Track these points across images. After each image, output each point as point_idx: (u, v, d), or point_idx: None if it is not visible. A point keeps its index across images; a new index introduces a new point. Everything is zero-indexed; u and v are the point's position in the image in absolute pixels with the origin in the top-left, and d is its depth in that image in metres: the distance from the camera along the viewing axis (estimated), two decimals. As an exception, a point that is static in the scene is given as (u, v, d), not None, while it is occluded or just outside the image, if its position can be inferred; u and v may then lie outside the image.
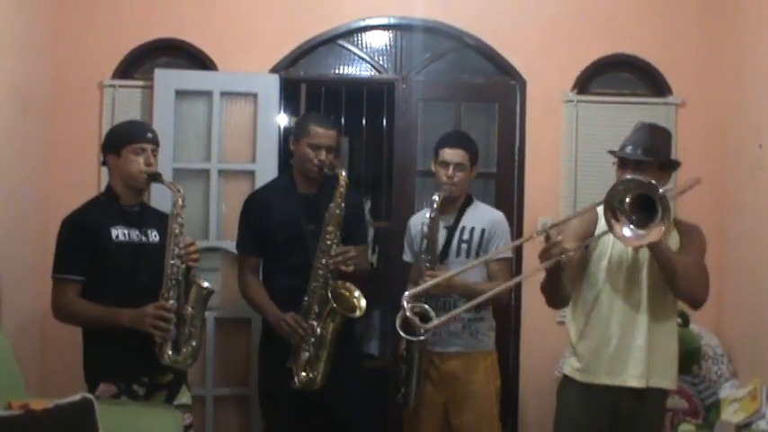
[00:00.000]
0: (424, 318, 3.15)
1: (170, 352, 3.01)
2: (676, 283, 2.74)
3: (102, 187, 4.10)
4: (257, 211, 3.54)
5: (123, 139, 3.12)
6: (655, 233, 2.51)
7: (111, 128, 3.32)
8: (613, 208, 2.56)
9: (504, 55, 4.45)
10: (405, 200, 4.45)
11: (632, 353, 2.82)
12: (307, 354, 3.31)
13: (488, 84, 4.52)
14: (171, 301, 3.01)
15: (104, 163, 3.21)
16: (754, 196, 4.05)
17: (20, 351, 3.32)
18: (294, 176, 3.54)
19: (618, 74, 4.53)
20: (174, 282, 3.03)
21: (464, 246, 3.44)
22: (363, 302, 3.36)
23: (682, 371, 3.89)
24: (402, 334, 3.19)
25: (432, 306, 3.26)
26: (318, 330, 3.32)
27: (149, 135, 3.15)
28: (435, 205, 3.38)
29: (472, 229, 3.45)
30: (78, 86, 4.26)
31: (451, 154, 3.43)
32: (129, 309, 2.98)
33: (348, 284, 3.38)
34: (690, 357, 3.96)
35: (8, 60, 3.67)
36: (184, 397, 3.24)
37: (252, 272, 3.53)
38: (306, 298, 3.34)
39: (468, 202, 3.52)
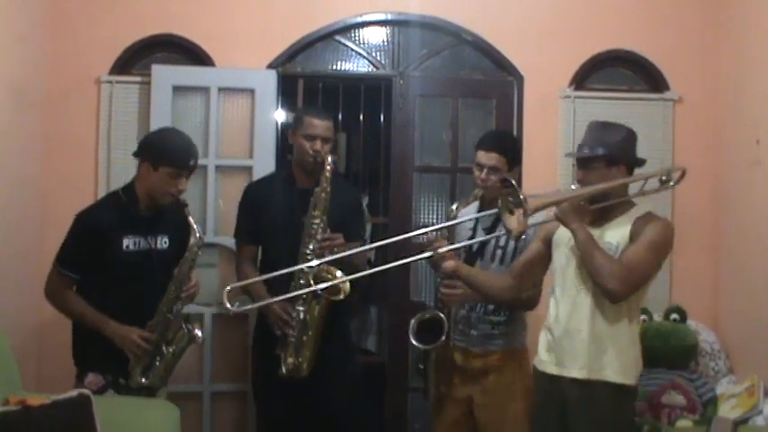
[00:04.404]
0: (437, 323, 3.20)
1: (139, 375, 3.09)
2: (589, 273, 2.72)
3: (100, 183, 4.16)
4: (255, 200, 3.58)
5: (166, 159, 3.09)
6: (512, 221, 2.66)
7: (162, 136, 3.26)
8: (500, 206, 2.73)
9: (502, 51, 4.44)
10: (402, 196, 4.44)
11: (575, 343, 2.78)
12: (293, 339, 3.33)
13: (486, 80, 4.52)
14: (155, 335, 3.08)
15: (136, 156, 3.19)
16: (750, 191, 4.05)
17: (17, 347, 3.31)
18: (293, 171, 3.56)
19: (615, 70, 4.52)
20: (164, 317, 3.10)
21: (499, 252, 3.32)
22: (347, 285, 3.32)
23: (679, 367, 3.93)
24: (414, 342, 3.22)
25: (458, 308, 3.29)
26: (302, 315, 3.33)
27: (192, 163, 3.14)
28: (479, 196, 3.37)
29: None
30: (75, 82, 4.25)
31: (485, 157, 3.29)
32: (115, 322, 3.06)
33: (331, 268, 3.33)
34: (687, 353, 3.97)
35: (5, 56, 3.66)
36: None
37: (249, 261, 3.56)
38: (293, 283, 3.32)
39: None
